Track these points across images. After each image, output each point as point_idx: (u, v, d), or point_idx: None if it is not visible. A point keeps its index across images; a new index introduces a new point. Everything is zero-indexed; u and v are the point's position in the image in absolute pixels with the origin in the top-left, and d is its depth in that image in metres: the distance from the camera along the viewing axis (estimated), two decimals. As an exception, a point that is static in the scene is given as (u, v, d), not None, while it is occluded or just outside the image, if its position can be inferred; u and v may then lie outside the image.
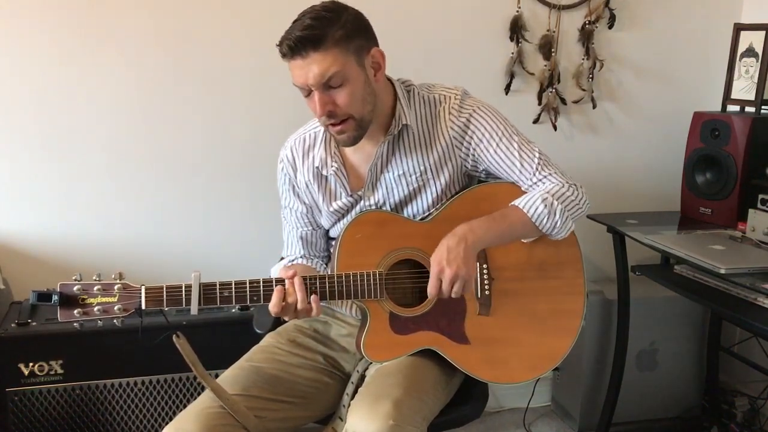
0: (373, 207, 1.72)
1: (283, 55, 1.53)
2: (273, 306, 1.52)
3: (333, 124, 1.58)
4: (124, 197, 2.39)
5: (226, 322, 2.22)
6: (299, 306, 1.52)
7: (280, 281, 1.53)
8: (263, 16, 2.34)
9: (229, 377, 1.65)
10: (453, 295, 1.55)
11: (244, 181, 2.46)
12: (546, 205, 1.62)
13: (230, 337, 2.16)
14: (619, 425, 2.64)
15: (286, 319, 1.58)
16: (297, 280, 1.52)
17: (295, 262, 1.83)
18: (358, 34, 1.54)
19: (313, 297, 1.53)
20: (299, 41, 1.48)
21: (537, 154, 1.68)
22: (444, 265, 1.54)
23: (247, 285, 1.52)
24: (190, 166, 2.42)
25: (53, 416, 2.13)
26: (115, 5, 2.26)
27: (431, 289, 1.56)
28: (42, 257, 2.36)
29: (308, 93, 1.56)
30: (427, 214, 1.71)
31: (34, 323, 2.14)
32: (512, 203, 1.66)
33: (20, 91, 2.26)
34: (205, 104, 2.39)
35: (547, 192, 1.64)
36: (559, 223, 1.64)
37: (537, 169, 1.67)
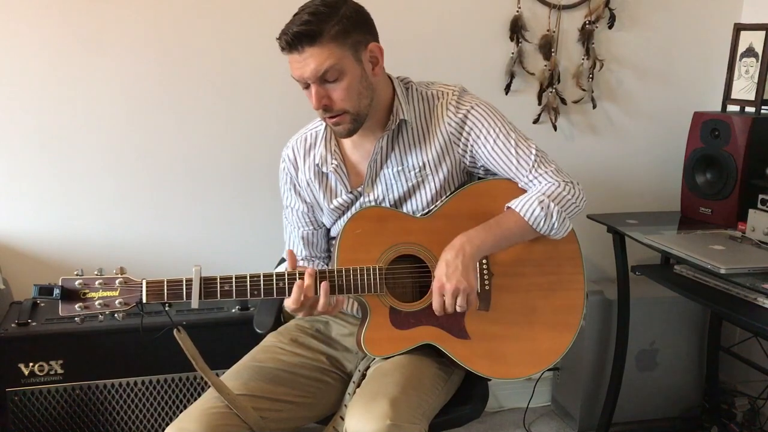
0: (373, 203, 1.73)
1: (282, 49, 1.55)
2: (292, 302, 1.51)
3: (330, 117, 1.60)
4: (125, 197, 2.39)
5: (226, 322, 2.21)
6: (320, 308, 1.53)
7: (293, 276, 1.52)
8: (263, 15, 2.35)
9: (231, 376, 1.64)
10: (458, 309, 1.56)
11: (244, 180, 2.46)
12: (542, 208, 1.62)
13: (230, 337, 2.15)
14: (619, 425, 2.64)
15: (299, 315, 1.57)
16: (323, 284, 1.52)
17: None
18: (356, 28, 1.55)
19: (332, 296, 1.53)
20: (295, 36, 1.50)
21: (534, 151, 1.68)
22: (444, 280, 1.55)
23: (248, 279, 1.52)
24: (190, 165, 2.42)
25: (53, 416, 2.13)
26: (115, 5, 2.26)
27: (435, 306, 1.57)
28: (42, 257, 2.36)
29: (306, 86, 1.58)
30: (426, 210, 1.71)
31: (34, 323, 2.14)
32: (508, 205, 1.66)
33: (20, 91, 2.26)
34: (204, 104, 2.39)
35: (543, 193, 1.64)
36: (556, 224, 1.64)
37: (533, 166, 1.68)
